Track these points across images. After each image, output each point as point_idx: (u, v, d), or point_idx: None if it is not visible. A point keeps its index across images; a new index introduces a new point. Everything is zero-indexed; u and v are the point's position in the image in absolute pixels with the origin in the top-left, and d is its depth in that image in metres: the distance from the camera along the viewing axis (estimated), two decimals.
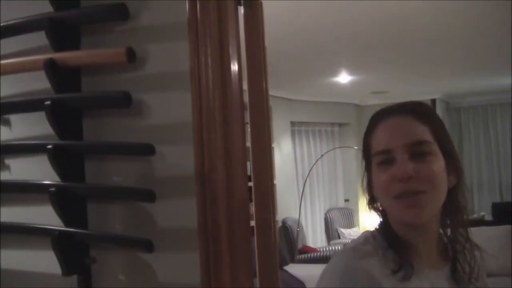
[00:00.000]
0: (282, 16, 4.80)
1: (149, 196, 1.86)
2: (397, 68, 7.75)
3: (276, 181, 8.49)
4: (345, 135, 10.80)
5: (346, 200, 10.61)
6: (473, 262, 1.40)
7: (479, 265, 1.43)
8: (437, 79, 8.98)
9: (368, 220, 10.66)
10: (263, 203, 1.85)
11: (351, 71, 7.72)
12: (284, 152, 9.03)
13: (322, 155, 8.53)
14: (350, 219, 10.24)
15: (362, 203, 9.01)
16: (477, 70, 8.46)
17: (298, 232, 8.18)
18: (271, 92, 7.13)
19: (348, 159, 10.60)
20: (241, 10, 1.91)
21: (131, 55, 1.91)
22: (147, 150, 1.88)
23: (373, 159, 1.36)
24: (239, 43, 1.84)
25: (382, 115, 1.38)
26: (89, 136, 2.06)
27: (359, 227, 10.37)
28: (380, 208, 1.39)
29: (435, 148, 1.32)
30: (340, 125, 10.80)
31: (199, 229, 1.73)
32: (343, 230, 9.83)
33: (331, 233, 9.90)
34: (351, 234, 9.74)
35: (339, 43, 6.04)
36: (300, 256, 8.28)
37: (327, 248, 8.79)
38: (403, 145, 1.29)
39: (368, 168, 1.40)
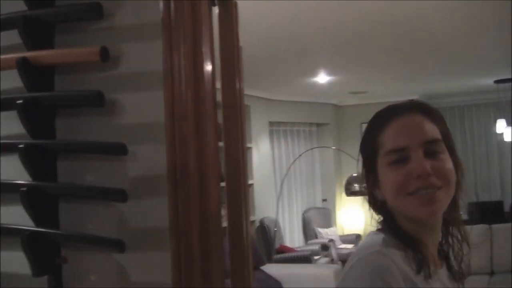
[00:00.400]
0: (260, 16, 4.80)
1: (121, 196, 1.86)
2: (375, 68, 7.77)
3: (253, 181, 8.52)
4: (323, 135, 10.83)
5: (324, 200, 10.63)
6: (466, 259, 1.42)
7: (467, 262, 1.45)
8: (416, 79, 9.03)
9: (346, 219, 10.71)
10: (235, 203, 1.85)
11: (330, 72, 7.73)
12: (262, 152, 9.03)
13: (300, 155, 8.54)
14: (327, 219, 10.26)
15: (340, 202, 9.08)
16: (454, 71, 8.51)
17: (275, 232, 8.18)
18: (249, 92, 7.16)
19: (326, 159, 10.63)
20: (216, 10, 1.90)
21: (104, 54, 1.91)
22: (120, 149, 1.87)
23: (382, 158, 1.34)
24: (213, 43, 1.83)
25: (392, 113, 1.37)
26: (62, 135, 2.05)
27: (336, 226, 10.41)
28: (384, 208, 1.38)
29: (444, 147, 1.34)
30: (318, 125, 10.82)
31: (170, 228, 1.73)
32: (320, 229, 9.84)
33: (308, 233, 9.91)
34: (328, 233, 9.76)
35: (318, 43, 6.05)
36: (278, 256, 8.29)
37: (306, 248, 8.80)
38: (418, 143, 1.30)
39: (371, 168, 1.39)
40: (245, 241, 1.87)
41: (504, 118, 9.76)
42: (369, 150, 1.40)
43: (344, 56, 6.84)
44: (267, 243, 8.39)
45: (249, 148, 8.60)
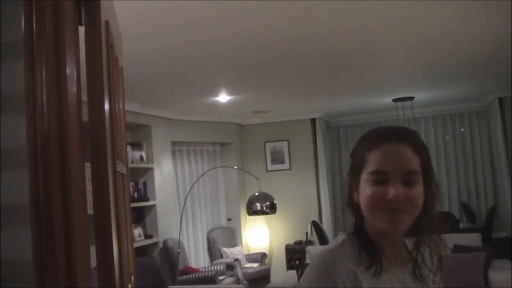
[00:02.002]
0: (157, 35, 4.74)
1: None
2: (276, 88, 7.81)
3: (156, 202, 8.39)
4: (226, 154, 10.81)
5: (229, 219, 10.59)
6: (432, 263, 1.68)
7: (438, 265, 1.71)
8: (317, 98, 9.15)
9: (251, 238, 10.70)
10: (103, 233, 1.76)
11: (231, 91, 7.72)
12: (165, 172, 8.91)
13: (202, 175, 8.49)
14: (232, 238, 10.23)
15: (245, 221, 9.06)
16: (355, 91, 8.70)
17: (178, 253, 8.06)
18: (150, 111, 7.07)
19: (229, 179, 10.61)
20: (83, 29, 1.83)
21: None
22: None
23: (366, 174, 1.59)
24: (79, 64, 1.76)
25: (382, 137, 1.61)
26: None
27: (242, 246, 10.38)
28: (357, 210, 1.65)
29: (420, 177, 1.58)
30: (222, 144, 10.80)
31: (34, 262, 1.63)
32: (225, 249, 9.79)
33: (214, 252, 9.84)
34: (233, 253, 9.73)
35: (217, 63, 6.02)
36: (182, 277, 8.18)
37: (210, 268, 8.72)
38: (398, 172, 1.55)
39: (355, 176, 1.64)
40: (113, 277, 1.78)
41: None
42: (356, 162, 1.65)
43: (245, 76, 6.84)
44: (171, 265, 8.26)
45: (151, 168, 8.49)
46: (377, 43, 5.62)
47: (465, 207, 10.65)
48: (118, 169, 2.03)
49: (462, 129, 11.12)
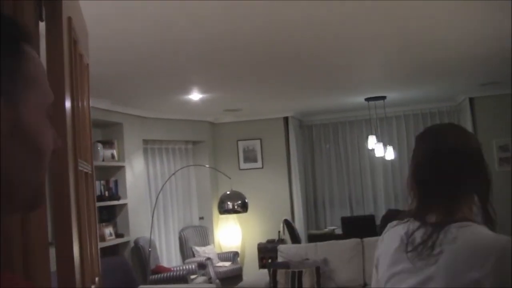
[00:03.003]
0: (127, 33, 4.68)
1: None
2: (249, 86, 7.79)
3: (127, 201, 8.32)
4: (199, 152, 10.76)
5: (201, 218, 10.55)
6: None
7: None
8: (289, 97, 9.15)
9: (223, 237, 10.68)
10: (63, 234, 1.72)
11: (203, 89, 7.68)
12: (137, 171, 8.85)
13: (174, 173, 8.41)
14: (205, 237, 10.19)
15: (217, 220, 9.04)
16: (327, 90, 8.69)
17: (150, 252, 7.99)
18: (122, 109, 7.01)
19: (202, 177, 10.57)
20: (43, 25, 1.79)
21: None
22: None
23: None
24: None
25: None
26: None
27: (214, 244, 10.35)
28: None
29: None
30: (194, 142, 10.75)
31: None
32: (198, 248, 9.75)
33: (186, 251, 9.80)
34: (206, 252, 9.70)
35: (189, 61, 5.98)
36: (153, 277, 8.12)
37: (182, 267, 8.68)
38: None
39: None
40: None
41: (374, 134, 10.05)
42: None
43: (217, 75, 6.81)
44: (142, 264, 8.20)
45: (123, 167, 8.42)
46: (350, 42, 5.62)
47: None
48: (80, 168, 2.00)
49: None
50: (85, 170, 2.15)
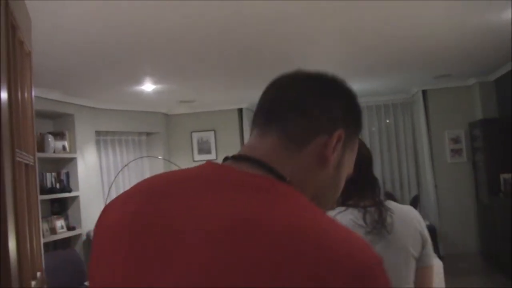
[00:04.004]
0: (78, 22, 4.59)
1: None
2: (202, 77, 7.72)
3: (79, 193, 8.19)
4: (153, 144, 10.66)
5: None
6: None
7: None
8: (244, 88, 9.10)
9: None
10: None
11: (156, 80, 7.58)
12: (89, 162, 8.71)
13: (126, 165, 8.31)
14: None
15: None
16: None
17: None
18: (73, 100, 6.87)
19: (155, 169, 10.44)
20: None
21: None
22: None
23: None
24: None
25: None
26: None
27: None
28: None
29: None
30: (148, 134, 10.64)
31: None
32: None
33: None
34: None
35: (141, 52, 5.89)
36: None
37: None
38: None
39: None
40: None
41: None
42: None
43: (169, 66, 6.72)
44: None
45: (74, 158, 8.29)
46: (303, 32, 5.61)
47: (389, 197, 10.75)
48: (19, 159, 1.93)
49: (388, 121, 11.26)
50: (25, 161, 2.08)
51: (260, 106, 1.23)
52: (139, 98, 8.83)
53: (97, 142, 9.26)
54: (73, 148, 8.35)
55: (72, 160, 8.32)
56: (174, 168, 9.60)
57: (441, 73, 8.72)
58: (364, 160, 2.25)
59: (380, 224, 2.14)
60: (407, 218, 2.22)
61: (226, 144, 10.70)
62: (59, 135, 8.11)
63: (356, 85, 9.30)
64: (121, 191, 9.40)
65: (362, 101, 11.08)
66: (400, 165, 11.20)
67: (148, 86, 7.84)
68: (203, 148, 10.86)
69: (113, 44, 5.44)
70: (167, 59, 6.35)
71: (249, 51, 6.23)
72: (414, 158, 11.05)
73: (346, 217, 2.18)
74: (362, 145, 2.24)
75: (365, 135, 11.28)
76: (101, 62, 6.18)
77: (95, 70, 6.62)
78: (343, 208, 2.21)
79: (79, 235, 8.25)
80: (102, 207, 8.59)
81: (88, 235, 8.22)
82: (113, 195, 9.34)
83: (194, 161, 10.80)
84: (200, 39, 5.53)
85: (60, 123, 8.35)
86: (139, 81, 7.50)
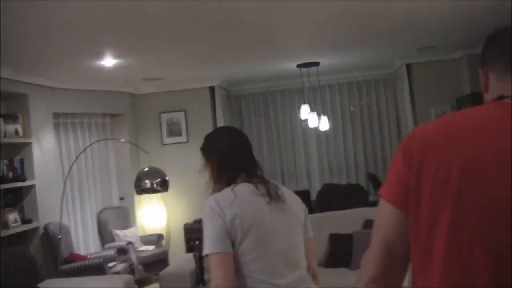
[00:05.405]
0: None
1: None
2: (169, 51, 6.98)
3: (35, 182, 7.40)
4: (118, 127, 9.81)
5: (122, 198, 9.65)
6: None
7: None
8: (215, 65, 8.43)
9: (146, 218, 9.88)
10: None
11: (116, 54, 6.76)
12: (46, 148, 7.88)
13: (84, 149, 7.49)
14: (126, 218, 9.31)
15: (139, 200, 8.19)
16: (256, 56, 8.06)
17: (60, 239, 7.10)
18: (26, 79, 5.95)
19: (121, 153, 9.66)
20: None
21: None
22: None
23: None
24: None
25: None
26: None
27: (136, 227, 9.50)
28: None
29: None
30: (112, 116, 9.81)
31: None
32: (118, 231, 8.86)
33: (105, 236, 8.92)
34: (127, 235, 8.84)
35: (98, 18, 5.10)
36: (65, 267, 7.23)
37: (99, 255, 7.81)
38: None
39: None
40: None
41: (308, 103, 9.41)
42: None
43: (130, 35, 5.94)
44: (54, 252, 7.30)
45: (29, 143, 7.48)
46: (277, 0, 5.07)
47: (373, 178, 10.27)
48: None
49: (367, 99, 10.75)
50: None
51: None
52: (100, 75, 7.99)
53: (56, 126, 8.43)
54: (27, 132, 7.51)
55: (26, 145, 7.49)
56: (143, 152, 8.79)
57: (425, 45, 8.22)
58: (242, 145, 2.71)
59: (276, 194, 2.49)
60: (292, 194, 2.65)
61: (198, 125, 9.92)
62: (10, 118, 7.27)
63: (335, 59, 8.79)
64: (84, 179, 8.65)
65: (341, 77, 10.55)
66: (383, 145, 10.76)
67: (108, 61, 7.02)
68: (173, 130, 10.09)
69: (66, 10, 4.64)
70: (129, 28, 5.59)
71: (220, 20, 5.62)
72: (398, 137, 10.61)
73: (244, 188, 2.50)
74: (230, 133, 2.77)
75: (345, 114, 10.73)
76: (52, 31, 5.37)
77: (46, 42, 5.80)
78: (231, 186, 2.54)
79: (36, 229, 7.42)
80: (61, 196, 7.81)
81: (45, 228, 7.40)
82: (75, 184, 8.59)
83: (163, 144, 10.05)
84: (166, 5, 4.83)
85: (11, 104, 7.49)
86: (98, 54, 6.67)
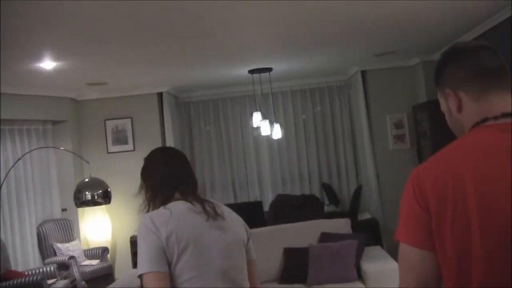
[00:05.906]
0: None
1: None
2: (113, 54, 6.58)
3: None
4: (60, 134, 9.31)
5: (64, 210, 9.15)
6: None
7: None
8: (164, 71, 8.11)
9: (90, 231, 9.40)
10: None
11: (56, 55, 6.33)
12: None
13: (19, 158, 7.02)
14: (68, 231, 8.81)
15: (83, 212, 7.68)
16: (207, 63, 7.81)
17: None
18: None
19: (64, 162, 9.17)
20: None
21: None
22: None
23: None
24: None
25: None
26: None
27: (79, 240, 9.01)
28: None
29: None
30: (54, 122, 9.31)
31: None
32: (60, 245, 8.36)
33: (46, 250, 8.40)
34: (70, 249, 8.35)
35: (34, 14, 4.68)
36: (0, 285, 6.73)
37: (39, 270, 7.32)
38: None
39: None
40: None
41: (260, 111, 9.09)
42: None
43: (70, 35, 5.53)
44: None
45: None
46: (227, 5, 4.88)
47: (327, 189, 10.02)
48: None
49: (319, 108, 10.51)
50: None
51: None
52: (40, 80, 7.52)
53: None
54: None
55: None
56: (83, 162, 8.32)
57: (382, 51, 8.02)
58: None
59: (214, 211, 2.43)
60: (232, 212, 2.56)
61: (145, 133, 9.51)
62: None
63: (288, 65, 8.51)
64: (23, 190, 8.10)
65: (294, 84, 10.31)
66: (338, 154, 10.50)
67: (47, 64, 6.56)
68: (119, 138, 9.63)
69: None
70: (69, 27, 5.18)
71: (169, 25, 5.43)
72: (352, 146, 10.43)
73: (180, 205, 2.43)
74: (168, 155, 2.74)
75: (298, 122, 10.45)
76: None
77: None
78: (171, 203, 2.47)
79: None
80: None
81: None
82: (13, 195, 8.09)
83: (108, 152, 9.59)
84: (108, 5, 4.51)
85: None
86: (36, 55, 6.21)
